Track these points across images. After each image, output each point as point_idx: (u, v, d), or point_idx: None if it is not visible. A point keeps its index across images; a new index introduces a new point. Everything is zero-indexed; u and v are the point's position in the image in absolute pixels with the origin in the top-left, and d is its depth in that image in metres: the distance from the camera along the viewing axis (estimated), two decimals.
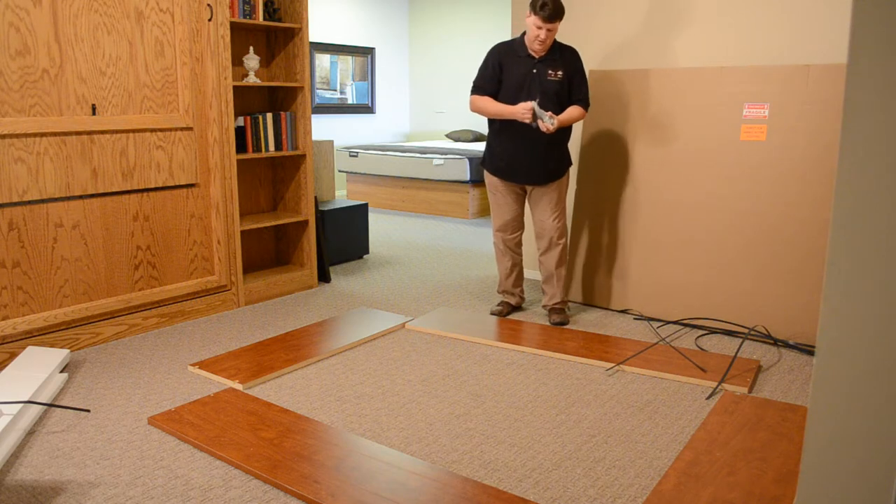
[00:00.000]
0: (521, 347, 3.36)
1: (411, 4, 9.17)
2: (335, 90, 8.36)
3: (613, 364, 3.14)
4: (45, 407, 2.70)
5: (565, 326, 3.69)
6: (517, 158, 3.57)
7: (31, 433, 2.52)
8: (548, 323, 3.76)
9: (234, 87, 4.10)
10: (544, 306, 3.83)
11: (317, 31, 8.08)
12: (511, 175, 3.63)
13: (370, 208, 7.91)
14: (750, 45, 3.67)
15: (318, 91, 8.15)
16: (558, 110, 3.49)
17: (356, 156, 7.88)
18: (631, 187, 3.90)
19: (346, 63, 8.46)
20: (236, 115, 4.15)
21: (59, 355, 3.03)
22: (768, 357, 3.28)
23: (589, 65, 4.21)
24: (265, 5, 4.12)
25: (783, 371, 3.11)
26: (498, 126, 3.60)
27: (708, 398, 2.82)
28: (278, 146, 4.23)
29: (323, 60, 8.17)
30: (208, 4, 3.62)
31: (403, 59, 9.25)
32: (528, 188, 3.68)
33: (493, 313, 3.88)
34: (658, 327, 3.71)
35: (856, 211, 1.23)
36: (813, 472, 1.34)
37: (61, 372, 3.04)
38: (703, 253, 3.68)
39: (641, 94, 3.85)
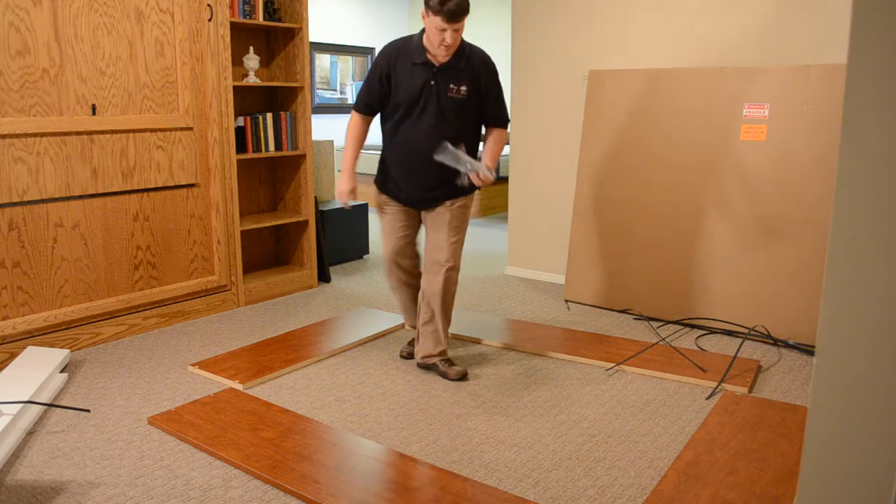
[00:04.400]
0: (521, 347, 3.36)
1: (411, 4, 9.16)
2: (335, 90, 8.36)
3: (613, 364, 3.14)
4: (45, 407, 2.70)
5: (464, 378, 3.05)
6: (409, 178, 2.95)
7: (31, 433, 2.52)
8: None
9: (234, 87, 4.10)
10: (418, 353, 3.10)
11: (317, 31, 8.08)
12: (402, 197, 3.01)
13: (370, 208, 7.91)
14: (750, 45, 3.67)
15: (318, 91, 8.16)
16: (462, 133, 2.88)
17: None
18: (631, 187, 3.90)
19: (346, 63, 8.46)
20: (236, 115, 4.15)
21: (59, 355, 3.03)
22: (768, 357, 3.28)
23: (588, 64, 4.21)
24: (265, 5, 4.12)
25: (783, 371, 3.11)
26: (390, 139, 2.96)
27: (708, 398, 2.82)
28: (278, 146, 4.23)
29: (323, 60, 8.17)
30: (208, 4, 3.62)
31: None
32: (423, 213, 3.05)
33: (404, 356, 3.24)
34: (658, 327, 3.71)
35: (856, 211, 1.23)
36: (813, 472, 1.34)
37: (61, 372, 3.04)
38: (703, 252, 3.68)
39: (641, 94, 3.85)
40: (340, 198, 2.98)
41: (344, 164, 2.99)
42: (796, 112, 3.41)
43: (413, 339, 3.23)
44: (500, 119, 2.95)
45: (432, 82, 2.82)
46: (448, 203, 2.95)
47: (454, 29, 2.68)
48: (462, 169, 2.72)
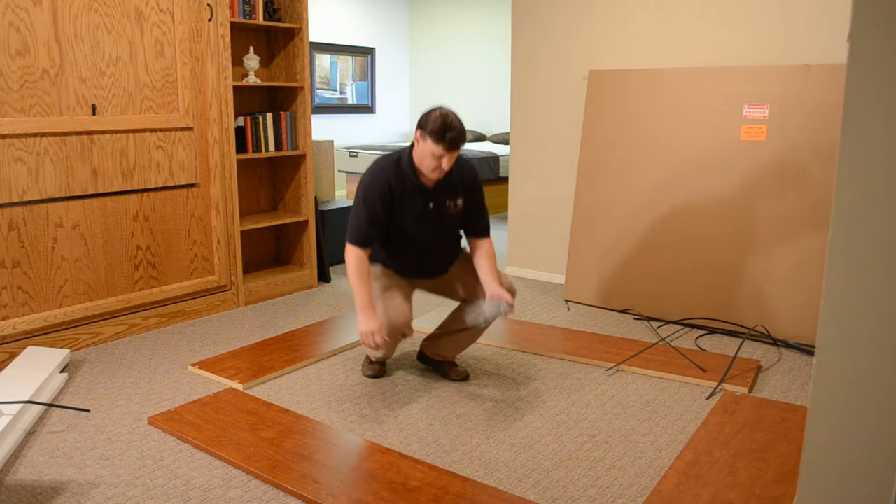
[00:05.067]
0: (521, 347, 3.36)
1: (411, 4, 9.16)
2: (335, 90, 8.36)
3: (613, 364, 3.14)
4: (45, 407, 2.70)
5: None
6: (420, 266, 2.95)
7: (31, 433, 2.52)
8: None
9: (234, 87, 4.10)
10: (435, 354, 3.09)
11: (317, 31, 8.08)
12: (415, 275, 2.99)
13: None
14: (750, 45, 3.67)
15: (318, 91, 8.15)
16: (457, 235, 2.97)
17: (356, 156, 7.87)
18: (631, 187, 3.90)
19: (346, 63, 8.46)
20: (236, 115, 4.15)
21: (59, 355, 3.03)
22: (768, 357, 3.28)
23: (588, 64, 4.21)
24: (265, 5, 4.12)
25: (783, 371, 3.11)
26: (390, 246, 2.88)
27: (708, 398, 2.82)
28: (278, 146, 4.23)
29: (323, 60, 8.17)
30: (208, 4, 3.62)
31: (403, 59, 9.25)
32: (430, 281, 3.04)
33: (370, 376, 3.06)
34: (658, 327, 3.71)
35: (856, 211, 1.23)
36: (813, 472, 1.34)
37: (61, 372, 3.04)
38: (703, 253, 3.68)
39: (642, 94, 3.85)
40: (369, 339, 2.65)
41: (360, 303, 2.68)
42: (796, 112, 3.41)
43: (376, 360, 3.06)
44: (486, 229, 2.91)
45: (430, 204, 2.78)
46: (462, 257, 3.01)
47: (451, 155, 2.63)
48: (493, 319, 2.70)
